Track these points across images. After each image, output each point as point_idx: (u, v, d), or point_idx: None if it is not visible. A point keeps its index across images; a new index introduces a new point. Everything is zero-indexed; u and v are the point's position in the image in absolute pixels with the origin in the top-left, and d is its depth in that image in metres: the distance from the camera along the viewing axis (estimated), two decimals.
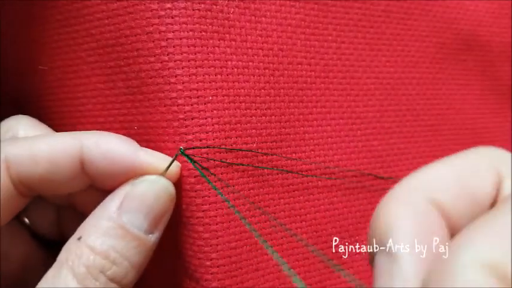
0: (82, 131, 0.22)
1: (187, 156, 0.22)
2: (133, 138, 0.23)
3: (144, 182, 0.21)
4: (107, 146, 0.21)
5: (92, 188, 0.22)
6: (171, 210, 0.21)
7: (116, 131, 0.24)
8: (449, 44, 0.31)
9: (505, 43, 0.33)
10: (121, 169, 0.21)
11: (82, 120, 0.25)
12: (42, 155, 0.20)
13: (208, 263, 0.23)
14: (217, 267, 0.23)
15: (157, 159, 0.21)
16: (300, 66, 0.26)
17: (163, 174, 0.21)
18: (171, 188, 0.21)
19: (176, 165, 0.22)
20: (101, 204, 0.21)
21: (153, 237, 0.21)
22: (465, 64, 0.32)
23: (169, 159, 0.22)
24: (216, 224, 0.23)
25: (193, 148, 0.22)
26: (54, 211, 0.25)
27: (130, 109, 0.24)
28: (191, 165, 0.23)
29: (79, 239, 0.19)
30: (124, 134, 0.24)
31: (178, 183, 0.23)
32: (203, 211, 0.23)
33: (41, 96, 0.27)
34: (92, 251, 0.19)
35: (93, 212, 0.20)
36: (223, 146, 0.23)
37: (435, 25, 0.31)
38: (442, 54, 0.31)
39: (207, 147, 0.22)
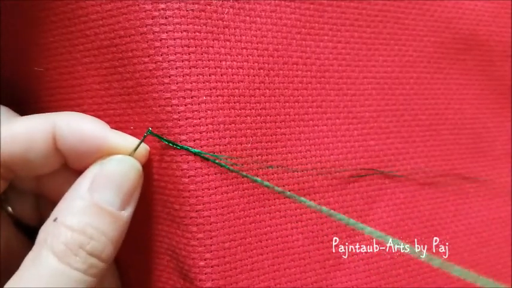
0: (56, 112, 0.23)
1: (156, 135, 0.23)
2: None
3: (112, 161, 0.22)
4: (77, 125, 0.22)
5: (62, 173, 0.23)
6: (140, 186, 0.22)
7: None
8: (448, 44, 0.31)
9: (504, 42, 0.33)
10: (91, 148, 0.22)
11: None
12: (19, 135, 0.21)
13: (202, 263, 0.23)
14: (212, 267, 0.23)
15: (126, 140, 0.22)
16: (295, 66, 0.26)
17: (131, 154, 0.22)
18: (138, 166, 0.22)
19: (144, 147, 0.23)
20: (73, 185, 0.21)
21: (126, 213, 0.22)
22: (464, 64, 0.32)
23: (135, 139, 0.23)
24: (210, 224, 0.23)
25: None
26: (34, 199, 0.26)
27: (126, 109, 0.24)
28: (185, 166, 0.23)
29: (55, 220, 0.20)
30: None
31: (171, 183, 0.23)
32: (197, 211, 0.23)
33: (38, 98, 0.27)
34: (68, 229, 0.20)
35: (66, 194, 0.21)
36: (217, 146, 0.23)
37: (433, 24, 0.30)
38: (440, 53, 0.31)
39: (169, 141, 0.23)
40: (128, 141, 0.23)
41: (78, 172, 0.22)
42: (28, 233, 0.27)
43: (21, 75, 0.28)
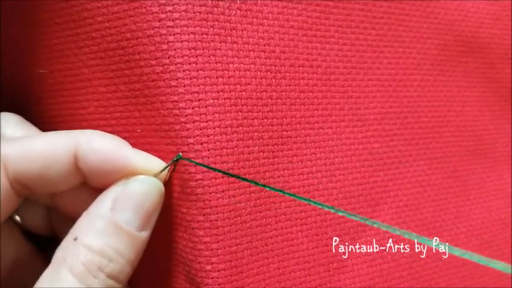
0: (77, 130, 0.22)
1: (188, 160, 0.22)
2: (136, 141, 0.24)
3: (135, 182, 0.21)
4: (100, 144, 0.21)
5: (80, 189, 0.23)
6: (160, 207, 0.22)
7: (118, 134, 0.24)
8: (450, 46, 0.31)
9: (506, 45, 0.33)
10: (113, 167, 0.21)
11: (83, 123, 0.25)
12: (38, 153, 0.21)
13: (209, 267, 0.23)
14: (218, 271, 0.23)
15: (149, 161, 0.22)
16: (301, 68, 0.26)
17: (157, 175, 0.22)
18: (161, 187, 0.22)
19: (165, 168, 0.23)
20: (94, 203, 0.21)
21: (145, 234, 0.21)
22: (466, 66, 0.32)
23: (160, 161, 0.23)
24: (217, 228, 0.23)
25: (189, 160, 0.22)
26: (45, 210, 0.26)
27: (133, 112, 0.24)
28: (192, 169, 0.22)
29: (75, 239, 0.20)
30: (126, 137, 0.24)
31: (178, 187, 0.23)
32: (204, 215, 0.23)
33: (41, 100, 0.27)
34: (88, 249, 0.20)
35: (86, 211, 0.21)
36: (224, 149, 0.23)
37: (436, 27, 0.30)
38: (443, 56, 0.31)
39: (202, 165, 0.22)
40: (150, 161, 0.22)
41: (96, 189, 0.22)
42: (35, 240, 0.26)
43: (23, 77, 0.27)
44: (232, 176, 0.23)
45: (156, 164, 0.22)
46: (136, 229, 0.21)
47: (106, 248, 0.20)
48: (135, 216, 0.21)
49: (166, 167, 0.22)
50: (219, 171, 0.22)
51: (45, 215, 0.26)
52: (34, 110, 0.27)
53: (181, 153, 0.22)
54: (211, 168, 0.22)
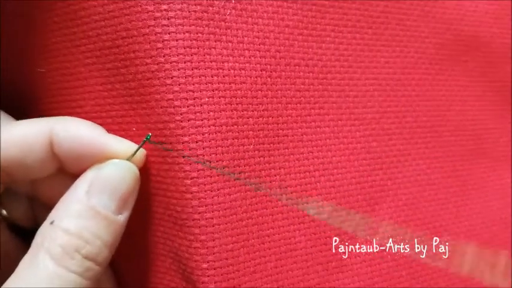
0: (53, 117, 0.23)
1: (154, 142, 0.23)
2: (131, 140, 0.24)
3: (109, 165, 0.22)
4: (74, 130, 0.22)
5: (58, 176, 0.23)
6: (137, 190, 0.23)
7: (114, 132, 0.24)
8: (449, 45, 0.31)
9: (506, 44, 0.33)
10: (88, 152, 0.22)
11: None
12: (16, 139, 0.22)
13: (205, 265, 0.23)
14: (214, 269, 0.23)
15: (123, 145, 0.23)
16: (297, 67, 0.26)
17: (129, 159, 0.22)
18: (136, 170, 0.22)
19: (141, 151, 0.23)
20: (70, 188, 0.22)
21: (122, 217, 0.22)
22: (465, 65, 0.32)
23: (133, 144, 0.23)
24: (213, 226, 0.23)
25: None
26: (28, 202, 0.26)
27: (128, 111, 0.24)
28: (187, 167, 0.22)
29: (52, 223, 0.20)
30: (122, 136, 0.24)
31: (173, 185, 0.23)
32: (199, 213, 0.23)
33: (40, 99, 0.27)
34: (65, 232, 0.20)
35: (63, 197, 0.21)
36: (219, 148, 0.23)
37: (434, 26, 0.30)
38: (441, 55, 0.31)
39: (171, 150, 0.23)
40: (125, 145, 0.23)
41: (74, 176, 0.22)
42: (22, 236, 0.26)
43: (22, 77, 0.28)
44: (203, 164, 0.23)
45: (128, 146, 0.23)
46: (112, 212, 0.21)
47: (82, 230, 0.20)
48: (111, 199, 0.21)
49: (137, 149, 0.23)
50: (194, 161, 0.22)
51: (29, 207, 0.26)
52: (33, 109, 0.27)
53: (150, 134, 0.23)
54: (185, 156, 0.22)
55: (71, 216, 0.20)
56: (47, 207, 0.22)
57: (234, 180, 0.23)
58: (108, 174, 0.22)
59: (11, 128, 0.22)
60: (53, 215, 0.21)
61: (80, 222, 0.20)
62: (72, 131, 0.22)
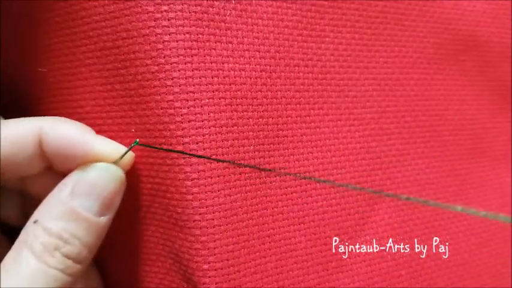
0: (43, 117, 0.23)
1: (144, 145, 0.23)
2: (130, 141, 0.24)
3: (93, 168, 0.22)
4: (62, 130, 0.22)
5: (47, 173, 0.24)
6: (122, 194, 0.23)
7: (114, 133, 0.24)
8: (447, 45, 0.31)
9: (504, 43, 0.33)
10: (75, 153, 0.22)
11: (80, 122, 0.25)
12: (7, 137, 0.22)
13: (205, 266, 0.23)
14: (215, 270, 0.23)
15: (111, 147, 0.23)
16: (297, 68, 0.26)
17: (117, 162, 0.23)
18: (121, 174, 0.23)
19: (130, 154, 0.23)
20: (55, 189, 0.22)
21: (105, 219, 0.22)
22: (463, 65, 0.32)
23: (121, 147, 0.23)
24: (214, 227, 0.23)
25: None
26: (20, 200, 0.27)
27: (127, 111, 0.24)
28: (188, 169, 0.22)
29: (35, 222, 0.21)
30: (122, 137, 0.24)
31: (173, 187, 0.23)
32: (200, 214, 0.23)
33: (40, 99, 0.27)
34: (46, 232, 0.21)
35: (47, 197, 0.22)
36: (220, 149, 0.23)
37: (432, 26, 0.30)
38: (439, 55, 0.31)
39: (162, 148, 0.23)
40: (113, 148, 0.23)
41: (63, 174, 0.23)
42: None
43: (23, 76, 0.27)
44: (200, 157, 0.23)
45: (116, 149, 0.23)
46: (94, 214, 0.22)
47: (62, 231, 0.21)
48: (93, 202, 0.22)
49: (124, 154, 0.23)
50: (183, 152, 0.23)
51: (21, 205, 0.27)
52: (34, 108, 0.27)
53: (138, 140, 0.23)
54: (171, 150, 0.23)
55: (53, 217, 0.21)
56: (38, 204, 0.22)
57: (234, 167, 0.23)
58: (91, 177, 0.22)
59: (2, 126, 0.22)
60: (37, 214, 0.21)
61: (61, 223, 0.21)
62: (61, 131, 0.22)
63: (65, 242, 0.21)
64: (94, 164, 0.22)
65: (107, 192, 0.22)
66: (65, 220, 0.21)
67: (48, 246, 0.20)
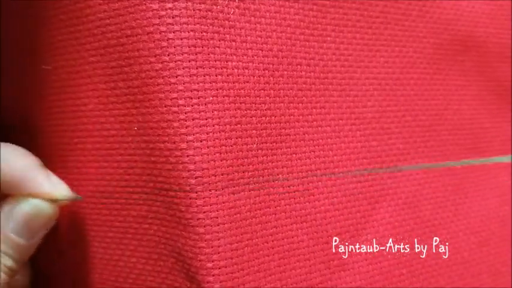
0: None
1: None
2: (132, 139, 0.24)
3: (26, 203, 0.24)
4: (9, 161, 0.24)
5: None
6: (50, 227, 0.25)
7: (117, 131, 0.24)
8: (447, 45, 0.31)
9: (502, 44, 0.33)
10: (18, 184, 0.24)
11: (84, 120, 0.25)
12: None
13: (209, 264, 0.23)
14: (219, 268, 0.23)
15: (52, 187, 0.24)
16: (299, 67, 0.26)
17: (55, 198, 0.24)
18: (49, 212, 0.25)
19: (68, 196, 0.25)
20: None
21: (32, 241, 0.25)
22: (462, 65, 0.32)
23: (64, 189, 0.25)
24: (218, 225, 0.23)
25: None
26: None
27: (131, 109, 0.24)
28: (191, 167, 0.22)
29: None
30: (124, 135, 0.24)
31: (176, 185, 0.23)
32: (204, 212, 0.23)
33: (44, 96, 0.27)
34: None
35: None
36: (223, 147, 0.23)
37: (432, 26, 0.31)
38: (439, 55, 0.31)
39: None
40: (50, 186, 0.24)
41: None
42: None
43: (27, 74, 0.27)
44: None
45: (54, 188, 0.24)
46: (23, 239, 0.24)
47: None
48: (21, 229, 0.24)
49: (58, 201, 0.24)
50: None
51: None
52: (37, 106, 0.27)
53: (81, 197, 0.26)
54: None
55: None
56: None
57: (237, 164, 0.24)
58: (23, 210, 0.24)
59: None
60: None
61: None
62: (7, 161, 0.24)
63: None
64: (28, 199, 0.24)
65: (35, 226, 0.24)
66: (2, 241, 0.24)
67: None
